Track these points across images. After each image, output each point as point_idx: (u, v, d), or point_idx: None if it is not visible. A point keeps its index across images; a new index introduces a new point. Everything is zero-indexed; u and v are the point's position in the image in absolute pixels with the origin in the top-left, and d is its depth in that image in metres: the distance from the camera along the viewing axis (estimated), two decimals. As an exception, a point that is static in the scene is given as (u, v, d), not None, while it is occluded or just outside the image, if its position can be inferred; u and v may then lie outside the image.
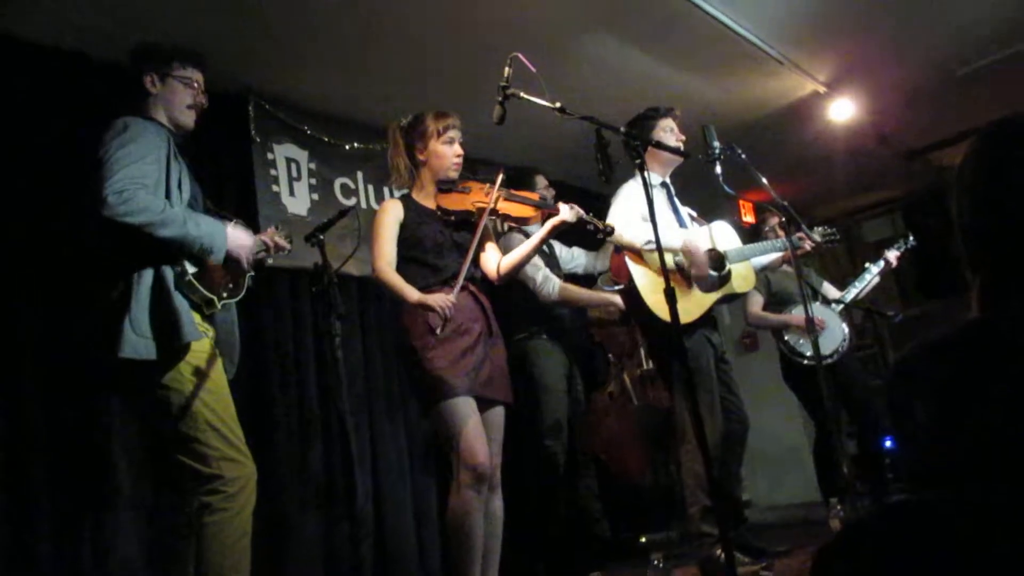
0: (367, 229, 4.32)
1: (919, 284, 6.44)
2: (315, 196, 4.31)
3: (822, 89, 5.03)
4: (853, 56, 4.72)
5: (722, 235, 3.61)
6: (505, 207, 2.96)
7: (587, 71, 4.33)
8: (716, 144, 3.41)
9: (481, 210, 2.90)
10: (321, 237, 2.58)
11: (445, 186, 2.97)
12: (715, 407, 3.35)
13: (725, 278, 3.49)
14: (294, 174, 4.25)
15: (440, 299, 2.66)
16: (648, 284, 3.34)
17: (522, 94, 2.60)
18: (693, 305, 3.39)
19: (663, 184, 3.68)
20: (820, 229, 3.86)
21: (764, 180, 3.28)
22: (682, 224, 3.60)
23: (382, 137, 4.55)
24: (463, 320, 2.75)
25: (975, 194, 1.08)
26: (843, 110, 5.15)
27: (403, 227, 2.88)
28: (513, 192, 3.02)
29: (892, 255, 4.64)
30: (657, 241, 2.49)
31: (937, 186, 6.38)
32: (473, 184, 3.00)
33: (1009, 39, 4.78)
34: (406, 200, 2.98)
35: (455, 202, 2.94)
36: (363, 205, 4.56)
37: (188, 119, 2.60)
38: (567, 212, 2.89)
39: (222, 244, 2.40)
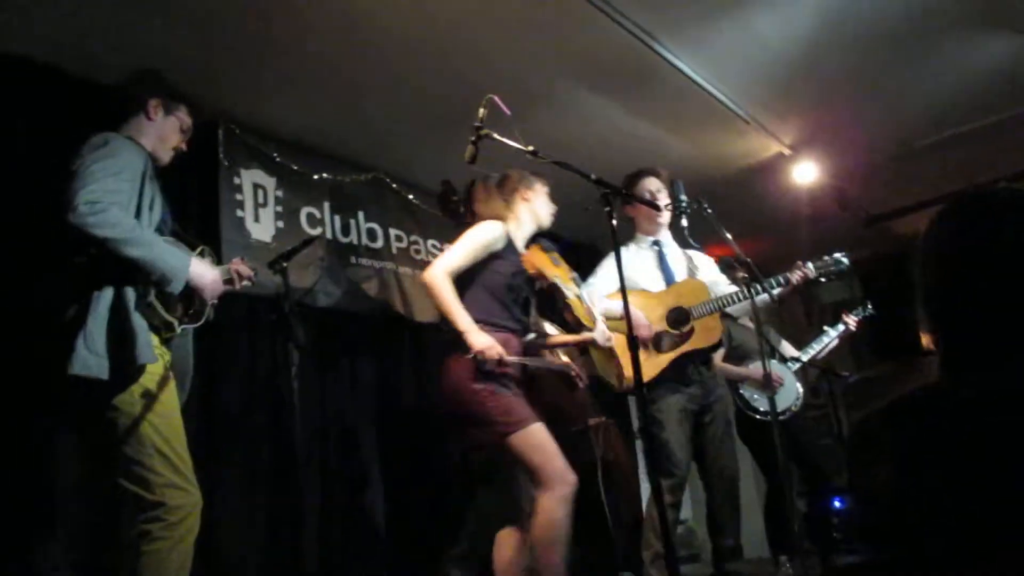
0: (330, 260, 4.39)
1: (873, 345, 6.55)
2: (280, 224, 4.29)
3: (787, 151, 5.15)
4: (818, 122, 4.84)
5: (704, 267, 3.73)
6: (576, 307, 3.01)
7: (557, 119, 4.38)
8: (683, 198, 3.51)
9: (542, 291, 3.03)
10: (284, 265, 2.57)
11: (540, 243, 3.08)
12: (672, 453, 3.38)
13: (683, 336, 3.52)
14: (260, 200, 4.23)
15: (493, 348, 2.67)
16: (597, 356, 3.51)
17: (495, 135, 2.62)
18: (648, 366, 3.42)
19: (654, 243, 3.76)
20: (812, 264, 3.69)
21: (728, 236, 3.32)
22: (668, 276, 3.67)
23: (352, 169, 4.71)
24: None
25: (938, 262, 1.12)
26: (806, 173, 5.28)
27: (492, 256, 2.89)
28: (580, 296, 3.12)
29: (852, 320, 4.72)
30: (625, 302, 2.51)
31: (895, 252, 6.54)
32: (555, 256, 3.08)
33: (965, 117, 4.96)
34: (507, 233, 2.99)
35: (540, 262, 3.01)
36: (328, 236, 4.55)
37: (167, 157, 2.63)
38: (600, 336, 3.09)
39: (183, 276, 2.37)
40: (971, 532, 0.86)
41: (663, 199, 3.64)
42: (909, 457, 0.95)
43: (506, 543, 2.87)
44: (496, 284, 2.87)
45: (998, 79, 4.52)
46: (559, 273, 3.04)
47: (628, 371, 3.33)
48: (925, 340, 1.11)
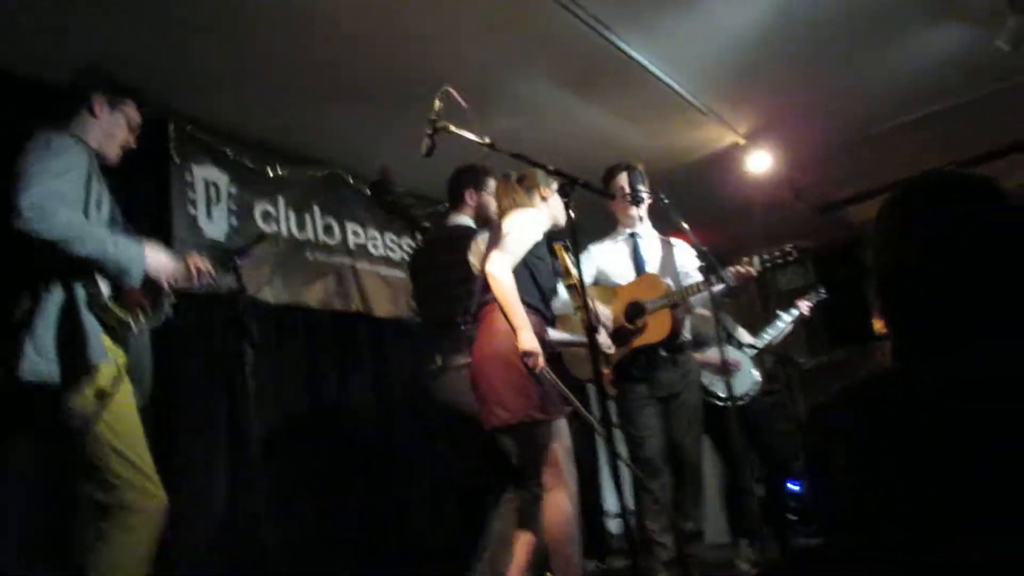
0: (285, 257, 4.33)
1: (828, 331, 6.66)
2: (234, 221, 4.23)
3: (741, 141, 5.19)
4: (771, 111, 4.90)
5: (682, 255, 3.77)
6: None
7: (514, 111, 4.37)
8: (641, 188, 3.62)
9: (572, 286, 3.15)
10: (238, 262, 2.52)
11: (562, 242, 3.19)
12: (643, 442, 3.49)
13: (637, 330, 3.58)
14: (213, 197, 4.17)
15: (539, 358, 2.72)
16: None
17: (452, 128, 2.61)
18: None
19: (631, 235, 3.82)
20: (757, 259, 3.69)
21: (685, 225, 3.37)
22: (640, 269, 3.74)
23: (307, 164, 4.66)
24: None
25: (889, 247, 1.14)
26: (760, 162, 5.31)
27: (536, 245, 2.95)
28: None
29: (804, 305, 4.75)
30: (583, 296, 2.57)
31: (849, 240, 6.59)
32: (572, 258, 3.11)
33: (916, 103, 5.05)
34: None
35: (565, 261, 3.13)
36: (283, 233, 4.51)
37: (115, 155, 2.56)
38: (605, 339, 3.26)
39: (140, 267, 2.34)
40: (927, 517, 0.87)
41: (644, 192, 3.71)
42: (863, 443, 0.95)
43: (522, 545, 2.88)
44: (538, 270, 2.95)
45: (951, 66, 4.58)
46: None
47: (606, 371, 3.41)
48: (878, 325, 1.12)
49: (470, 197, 3.62)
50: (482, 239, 3.26)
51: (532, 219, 2.98)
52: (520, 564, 2.85)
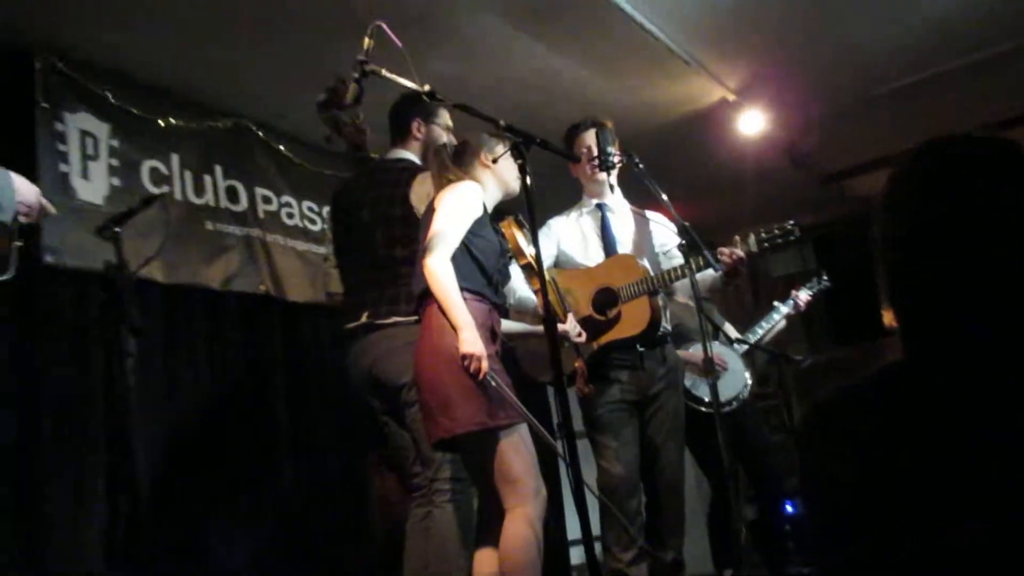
0: (179, 226, 4.31)
1: (830, 325, 6.73)
2: (116, 181, 4.16)
3: (731, 97, 5.21)
4: (766, 62, 4.91)
5: (660, 232, 3.79)
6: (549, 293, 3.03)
7: (462, 55, 4.38)
8: (611, 150, 3.56)
9: (528, 266, 3.26)
10: (118, 230, 2.45)
11: (515, 216, 3.30)
12: (616, 455, 3.50)
13: (608, 322, 3.59)
14: (90, 151, 4.10)
15: (481, 361, 2.73)
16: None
17: (384, 72, 2.61)
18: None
19: (598, 207, 3.83)
20: (754, 237, 3.70)
21: (664, 196, 3.37)
22: (611, 247, 3.75)
23: (208, 114, 4.65)
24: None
25: (900, 221, 1.15)
26: (753, 123, 5.34)
27: (476, 223, 2.98)
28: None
29: (803, 296, 4.81)
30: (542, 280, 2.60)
31: (855, 217, 6.65)
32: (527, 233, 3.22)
33: (931, 61, 5.09)
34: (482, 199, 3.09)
35: (516, 237, 3.23)
36: (177, 196, 4.46)
37: None
38: (572, 328, 3.36)
39: (11, 199, 2.25)
40: (947, 523, 0.88)
41: (615, 155, 3.65)
42: (873, 447, 0.95)
43: (486, 566, 2.90)
44: (482, 251, 2.97)
45: (968, 20, 4.60)
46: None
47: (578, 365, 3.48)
48: (888, 318, 1.12)
49: (417, 128, 3.57)
50: (427, 179, 3.26)
51: (468, 194, 3.01)
52: None
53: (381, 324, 3.26)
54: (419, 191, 3.29)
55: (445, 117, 3.58)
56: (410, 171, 3.40)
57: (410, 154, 3.56)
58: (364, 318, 3.29)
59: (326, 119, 3.52)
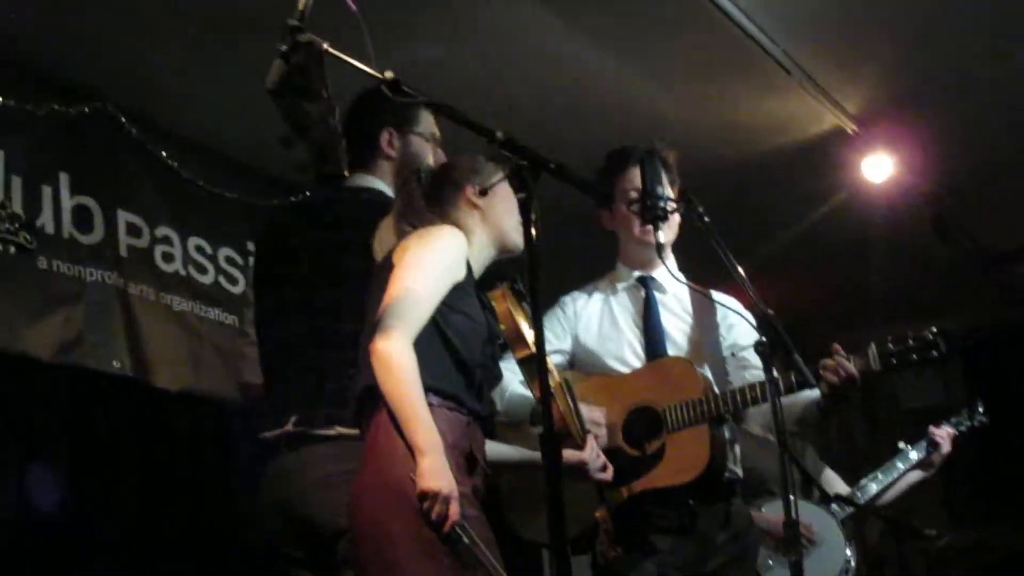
0: None
1: (982, 487, 6.59)
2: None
3: (851, 128, 5.10)
4: (901, 87, 4.90)
5: (732, 326, 3.67)
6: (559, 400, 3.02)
7: (454, 32, 4.39)
8: (660, 191, 3.41)
9: (528, 358, 3.08)
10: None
11: (510, 283, 3.20)
12: None
13: (644, 461, 3.45)
14: None
15: (445, 503, 2.53)
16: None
17: (327, 46, 2.38)
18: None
19: (640, 281, 3.70)
20: (875, 348, 3.42)
21: (739, 269, 3.11)
22: (657, 345, 3.60)
23: (55, 94, 4.59)
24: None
25: None
26: (882, 167, 5.25)
27: (456, 290, 2.80)
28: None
29: (945, 435, 4.64)
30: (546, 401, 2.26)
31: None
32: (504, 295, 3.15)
33: None
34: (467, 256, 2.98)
35: (512, 313, 3.10)
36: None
37: None
38: (593, 457, 3.11)
39: None
40: None
41: (670, 202, 3.51)
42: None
43: None
44: (461, 334, 2.81)
45: None
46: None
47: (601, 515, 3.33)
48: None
49: (388, 143, 3.39)
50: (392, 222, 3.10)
51: (444, 246, 2.85)
52: None
53: (317, 435, 3.03)
54: (385, 238, 3.08)
55: (429, 123, 3.43)
56: (376, 207, 3.18)
57: (378, 181, 3.39)
58: (290, 425, 3.07)
59: (284, 108, 3.07)
